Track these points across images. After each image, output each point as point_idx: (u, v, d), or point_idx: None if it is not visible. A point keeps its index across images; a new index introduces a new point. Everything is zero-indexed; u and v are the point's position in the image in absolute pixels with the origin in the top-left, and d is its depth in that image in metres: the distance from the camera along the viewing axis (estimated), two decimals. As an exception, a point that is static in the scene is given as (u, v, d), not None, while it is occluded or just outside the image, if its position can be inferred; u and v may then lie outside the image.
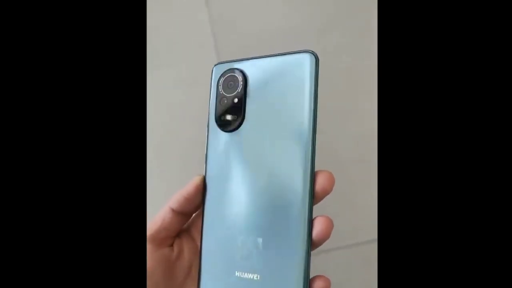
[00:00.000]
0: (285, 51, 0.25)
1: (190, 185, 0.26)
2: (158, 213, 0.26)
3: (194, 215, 0.28)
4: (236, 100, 0.26)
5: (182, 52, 0.42)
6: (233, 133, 0.26)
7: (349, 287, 0.38)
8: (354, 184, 0.39)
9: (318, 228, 0.23)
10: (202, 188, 0.26)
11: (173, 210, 0.26)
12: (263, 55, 0.25)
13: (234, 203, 0.25)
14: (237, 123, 0.25)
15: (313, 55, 0.24)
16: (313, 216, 0.23)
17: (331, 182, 0.23)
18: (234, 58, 0.26)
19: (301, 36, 0.41)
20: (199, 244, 0.27)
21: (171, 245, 0.27)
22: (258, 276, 0.24)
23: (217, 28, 0.42)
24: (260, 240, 0.24)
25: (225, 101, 0.26)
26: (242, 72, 0.26)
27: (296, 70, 0.24)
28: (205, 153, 0.26)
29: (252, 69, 0.26)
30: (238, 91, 0.26)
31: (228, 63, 0.27)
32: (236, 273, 0.24)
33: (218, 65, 0.27)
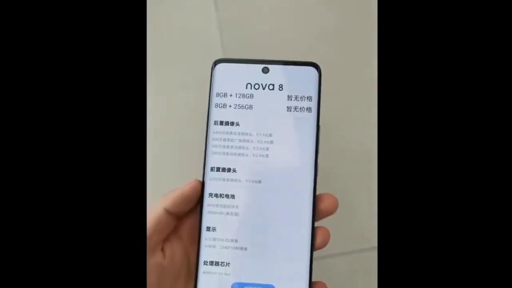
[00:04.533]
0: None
1: (187, 186, 0.25)
2: (149, 215, 0.24)
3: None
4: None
5: (189, 54, 0.42)
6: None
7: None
8: (355, 191, 0.39)
9: (318, 239, 0.25)
10: (200, 189, 0.25)
11: (167, 212, 0.24)
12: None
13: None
14: None
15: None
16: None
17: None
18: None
19: (308, 43, 0.41)
20: (188, 244, 0.26)
21: (162, 249, 0.25)
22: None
23: (225, 32, 0.42)
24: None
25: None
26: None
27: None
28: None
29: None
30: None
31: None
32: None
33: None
